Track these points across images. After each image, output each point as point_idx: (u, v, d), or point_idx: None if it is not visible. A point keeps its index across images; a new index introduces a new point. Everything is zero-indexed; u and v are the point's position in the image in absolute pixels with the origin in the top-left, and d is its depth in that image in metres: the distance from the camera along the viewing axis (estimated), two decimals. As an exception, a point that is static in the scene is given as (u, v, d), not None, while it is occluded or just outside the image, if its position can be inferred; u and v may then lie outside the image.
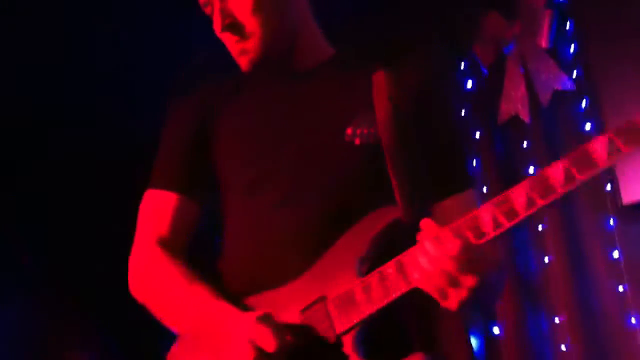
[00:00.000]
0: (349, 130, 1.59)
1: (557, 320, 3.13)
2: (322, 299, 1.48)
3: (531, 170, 3.26)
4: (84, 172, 3.49)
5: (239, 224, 1.64)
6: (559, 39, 3.28)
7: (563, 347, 3.09)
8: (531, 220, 3.27)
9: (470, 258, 1.33)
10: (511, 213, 1.33)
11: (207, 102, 1.73)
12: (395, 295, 1.42)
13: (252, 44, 1.62)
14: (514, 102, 3.36)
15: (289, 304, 1.50)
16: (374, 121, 1.59)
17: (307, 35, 1.71)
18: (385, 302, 1.43)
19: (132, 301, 1.67)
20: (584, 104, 3.16)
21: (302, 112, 1.65)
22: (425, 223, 1.38)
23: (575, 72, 3.21)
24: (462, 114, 3.47)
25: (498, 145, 3.40)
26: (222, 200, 1.68)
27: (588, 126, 3.12)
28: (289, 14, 1.66)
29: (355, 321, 1.45)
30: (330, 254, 1.51)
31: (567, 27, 3.26)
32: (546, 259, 3.20)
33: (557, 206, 3.17)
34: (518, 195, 1.33)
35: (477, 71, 3.51)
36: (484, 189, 3.35)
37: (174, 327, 1.61)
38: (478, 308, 1.50)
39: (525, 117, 3.31)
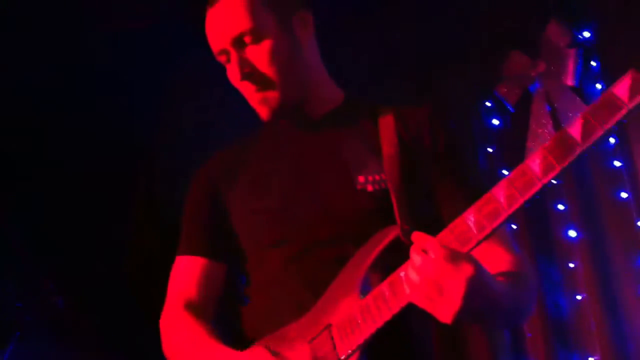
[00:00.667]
0: (361, 178, 1.62)
1: (590, 360, 3.09)
2: (328, 327, 1.50)
3: (560, 207, 3.26)
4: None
5: (260, 276, 1.68)
6: (585, 77, 3.29)
7: (597, 386, 3.04)
8: (562, 259, 3.25)
9: (456, 265, 1.30)
10: (494, 214, 1.33)
11: (224, 167, 1.79)
12: (391, 313, 1.41)
13: (273, 93, 1.65)
14: (541, 140, 3.36)
15: (298, 337, 1.52)
16: (381, 166, 1.62)
17: (319, 82, 1.75)
18: (381, 322, 1.43)
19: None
20: (612, 141, 3.16)
21: (315, 165, 1.68)
22: (417, 236, 1.38)
23: (602, 109, 3.20)
24: (491, 150, 3.48)
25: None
26: (245, 254, 1.72)
27: (617, 163, 3.11)
28: (303, 62, 1.69)
29: (356, 344, 1.45)
30: (337, 281, 1.54)
31: (594, 65, 3.27)
32: (578, 297, 3.17)
33: (587, 242, 3.16)
34: (499, 194, 1.32)
35: (502, 109, 3.53)
36: (514, 226, 3.34)
37: None
38: (482, 324, 1.47)
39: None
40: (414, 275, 1.35)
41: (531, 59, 3.46)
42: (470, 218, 1.35)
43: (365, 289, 1.49)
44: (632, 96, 1.24)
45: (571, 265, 3.20)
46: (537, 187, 1.30)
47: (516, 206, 1.32)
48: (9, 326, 3.44)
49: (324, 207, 1.62)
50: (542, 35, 3.39)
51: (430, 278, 1.32)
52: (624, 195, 3.05)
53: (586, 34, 3.27)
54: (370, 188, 1.61)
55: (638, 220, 3.02)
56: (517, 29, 3.46)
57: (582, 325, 3.14)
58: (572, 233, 3.20)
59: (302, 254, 1.60)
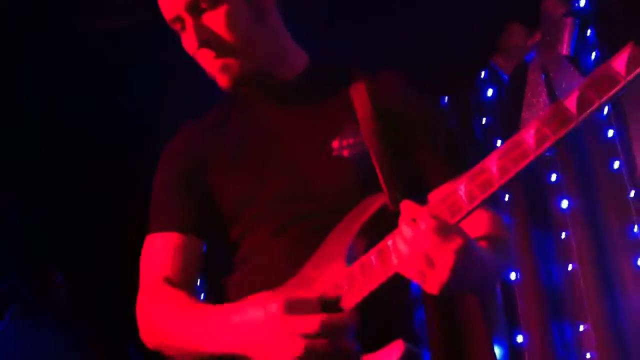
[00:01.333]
0: (335, 144, 1.58)
1: (581, 328, 3.11)
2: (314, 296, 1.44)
3: (553, 177, 3.26)
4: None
5: (243, 251, 1.63)
6: (580, 47, 3.27)
7: (588, 355, 3.07)
8: (555, 229, 3.26)
9: (446, 237, 1.29)
10: (485, 184, 1.31)
11: (194, 141, 1.73)
12: (378, 282, 1.40)
13: (233, 60, 1.59)
14: (536, 110, 3.35)
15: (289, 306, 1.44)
16: (356, 130, 1.58)
17: (282, 46, 1.69)
18: (367, 291, 1.41)
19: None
20: (606, 110, 3.15)
21: (288, 135, 1.64)
22: (406, 205, 1.35)
23: (596, 79, 3.18)
24: (483, 122, 3.47)
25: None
26: (226, 229, 1.66)
27: (611, 132, 3.11)
28: (264, 26, 1.63)
29: None
30: (322, 248, 1.51)
31: (588, 35, 3.25)
32: (570, 267, 3.18)
33: (579, 212, 3.16)
34: (491, 164, 1.30)
35: (497, 80, 3.51)
36: (507, 197, 3.34)
37: (199, 354, 1.52)
38: (467, 292, 1.48)
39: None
40: (402, 247, 1.33)
41: (528, 30, 3.44)
42: (461, 188, 1.33)
43: (351, 257, 1.47)
44: (629, 70, 1.23)
45: (563, 235, 3.22)
46: (531, 158, 1.29)
47: (509, 177, 1.30)
48: (4, 298, 3.45)
49: (301, 179, 1.59)
50: (540, 5, 3.37)
51: (420, 250, 1.29)
52: (616, 164, 3.05)
53: (582, 3, 3.24)
54: (346, 153, 1.57)
55: (631, 190, 3.03)
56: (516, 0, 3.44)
57: (574, 294, 3.16)
58: (565, 203, 3.21)
59: (286, 227, 1.57)
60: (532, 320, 3.24)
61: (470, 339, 3.20)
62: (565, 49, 3.27)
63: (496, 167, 1.30)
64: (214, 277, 1.70)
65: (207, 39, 1.57)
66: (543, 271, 3.26)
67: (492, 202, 1.56)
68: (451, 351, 3.17)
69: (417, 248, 1.30)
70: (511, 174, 1.29)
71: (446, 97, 3.65)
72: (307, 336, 1.35)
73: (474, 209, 1.33)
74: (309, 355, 1.34)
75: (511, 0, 3.41)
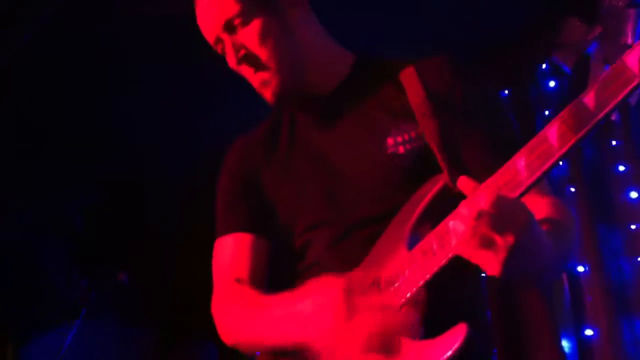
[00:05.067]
0: (390, 141, 1.56)
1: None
2: (376, 280, 1.45)
3: (621, 168, 3.20)
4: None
5: (303, 259, 1.63)
6: (644, 36, 3.21)
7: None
8: (623, 222, 3.20)
9: (504, 212, 1.21)
10: (545, 155, 1.23)
11: (249, 154, 1.75)
12: (437, 265, 1.35)
13: (270, 73, 1.61)
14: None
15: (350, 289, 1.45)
16: (410, 123, 1.56)
17: (320, 56, 1.67)
18: (428, 275, 1.36)
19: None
20: (673, 99, 3.08)
21: (340, 141, 1.63)
22: (462, 181, 1.29)
23: (664, 68, 3.11)
24: (546, 114, 3.44)
25: (585, 145, 3.34)
26: (287, 237, 1.67)
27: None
28: (298, 36, 1.64)
29: (404, 298, 1.39)
30: (385, 235, 1.50)
31: (653, 24, 3.20)
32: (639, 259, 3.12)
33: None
34: (551, 134, 1.22)
35: (559, 73, 3.47)
36: (572, 189, 3.29)
37: (269, 348, 1.57)
38: (527, 277, 1.40)
39: (612, 116, 3.24)
40: (459, 226, 1.28)
41: (588, 25, 3.41)
42: (520, 162, 1.26)
43: (413, 241, 1.43)
44: None
45: (633, 227, 3.15)
46: (592, 123, 1.20)
47: (569, 145, 1.22)
48: (75, 304, 3.54)
49: (359, 185, 1.57)
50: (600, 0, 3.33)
51: (477, 228, 1.22)
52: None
53: (644, -6, 3.19)
54: (402, 149, 1.55)
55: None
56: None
57: (644, 289, 3.10)
58: (634, 194, 3.15)
59: (344, 235, 1.56)
60: (600, 316, 3.18)
61: (535, 333, 3.16)
62: (629, 39, 3.23)
63: (556, 135, 1.23)
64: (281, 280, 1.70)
65: (245, 55, 1.61)
66: (611, 265, 3.20)
67: (545, 183, 1.52)
68: (516, 345, 3.13)
69: (473, 226, 1.22)
70: (572, 142, 1.21)
71: (506, 91, 3.62)
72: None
73: (535, 182, 1.26)
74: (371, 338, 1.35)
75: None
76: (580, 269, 3.22)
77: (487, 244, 1.23)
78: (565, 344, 3.14)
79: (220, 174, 1.80)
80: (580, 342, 3.16)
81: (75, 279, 3.73)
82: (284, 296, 1.53)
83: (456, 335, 1.34)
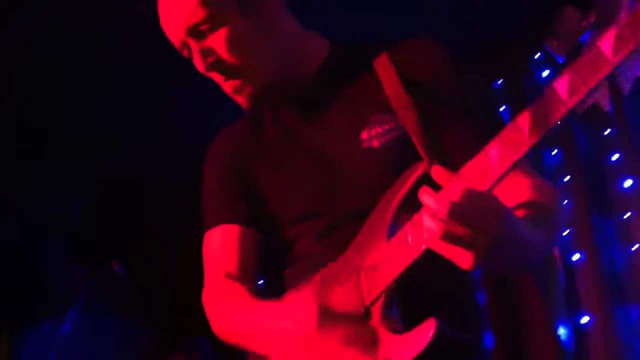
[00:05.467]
0: (364, 135, 1.53)
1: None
2: (357, 271, 1.43)
3: (615, 157, 3.24)
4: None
5: (291, 251, 1.64)
6: (637, 25, 3.24)
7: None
8: (617, 212, 3.23)
9: (474, 206, 1.18)
10: (516, 144, 1.20)
11: (234, 145, 1.73)
12: (411, 257, 1.31)
13: (242, 81, 1.55)
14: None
15: (330, 279, 1.47)
16: (386, 114, 1.53)
17: (296, 46, 1.62)
18: (402, 267, 1.33)
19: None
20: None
21: (325, 130, 1.60)
22: (436, 170, 1.25)
23: (657, 58, 3.15)
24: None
25: (579, 135, 3.38)
26: (275, 229, 1.66)
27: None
28: (269, 33, 1.57)
29: (379, 290, 1.37)
30: (367, 224, 1.47)
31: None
32: (633, 248, 3.15)
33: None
34: (523, 123, 1.19)
35: (552, 62, 3.51)
36: (566, 179, 3.33)
37: (266, 352, 1.55)
38: (507, 267, 1.40)
39: (605, 105, 3.27)
40: (428, 221, 1.22)
41: (582, 13, 3.43)
42: (492, 151, 1.23)
43: (393, 230, 1.40)
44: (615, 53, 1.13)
45: (626, 216, 3.18)
46: (563, 111, 1.20)
47: (540, 135, 1.20)
48: (72, 295, 3.55)
49: (335, 180, 1.56)
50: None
51: (446, 224, 1.18)
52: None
53: (637, -19, 3.22)
54: (376, 143, 1.52)
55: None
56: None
57: (638, 277, 3.13)
58: (628, 182, 3.18)
59: (333, 227, 1.55)
60: (594, 303, 3.21)
61: (530, 320, 3.19)
62: (623, 28, 3.25)
63: (527, 125, 1.19)
64: (272, 270, 1.72)
65: (214, 62, 1.54)
66: (605, 254, 3.23)
67: (528, 165, 1.49)
68: (512, 333, 3.17)
69: (443, 221, 1.19)
70: (542, 132, 1.19)
71: (500, 80, 3.66)
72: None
73: (505, 173, 1.22)
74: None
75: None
76: (576, 257, 3.26)
77: (457, 238, 1.20)
78: (562, 331, 3.18)
79: (204, 166, 1.76)
80: (577, 330, 3.19)
81: (74, 273, 3.75)
82: (269, 308, 1.53)
83: (425, 332, 1.30)
